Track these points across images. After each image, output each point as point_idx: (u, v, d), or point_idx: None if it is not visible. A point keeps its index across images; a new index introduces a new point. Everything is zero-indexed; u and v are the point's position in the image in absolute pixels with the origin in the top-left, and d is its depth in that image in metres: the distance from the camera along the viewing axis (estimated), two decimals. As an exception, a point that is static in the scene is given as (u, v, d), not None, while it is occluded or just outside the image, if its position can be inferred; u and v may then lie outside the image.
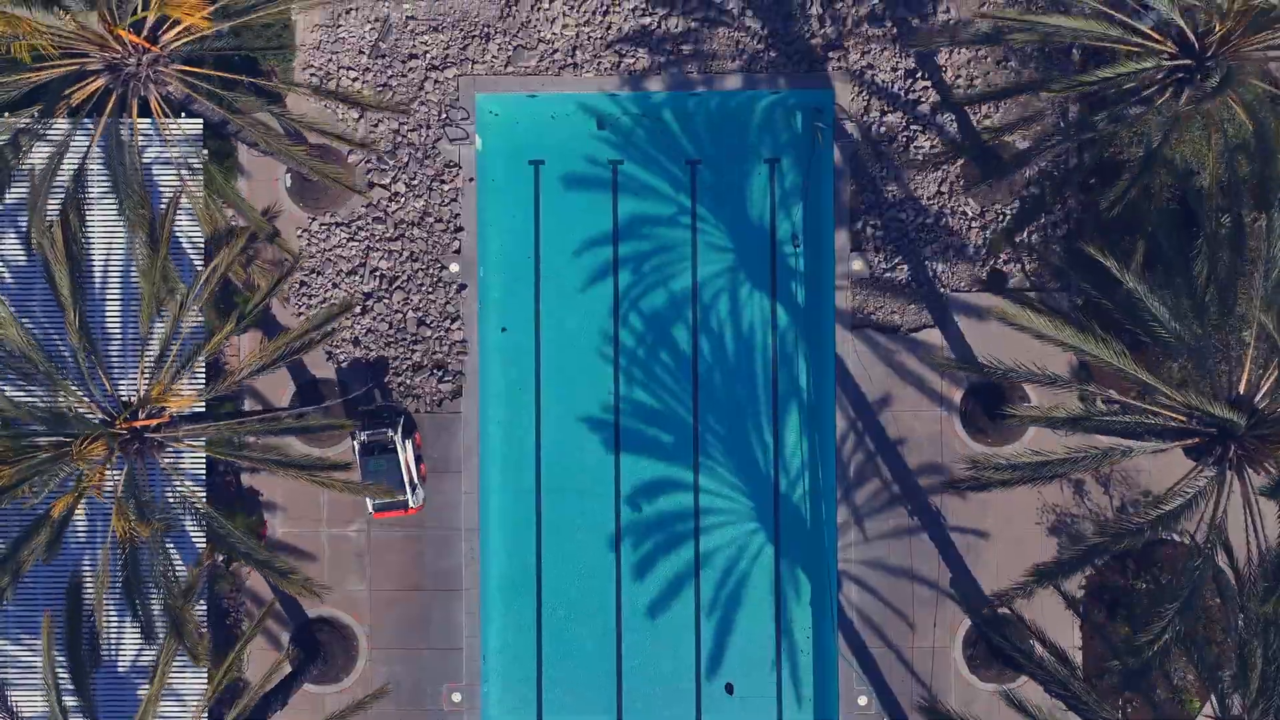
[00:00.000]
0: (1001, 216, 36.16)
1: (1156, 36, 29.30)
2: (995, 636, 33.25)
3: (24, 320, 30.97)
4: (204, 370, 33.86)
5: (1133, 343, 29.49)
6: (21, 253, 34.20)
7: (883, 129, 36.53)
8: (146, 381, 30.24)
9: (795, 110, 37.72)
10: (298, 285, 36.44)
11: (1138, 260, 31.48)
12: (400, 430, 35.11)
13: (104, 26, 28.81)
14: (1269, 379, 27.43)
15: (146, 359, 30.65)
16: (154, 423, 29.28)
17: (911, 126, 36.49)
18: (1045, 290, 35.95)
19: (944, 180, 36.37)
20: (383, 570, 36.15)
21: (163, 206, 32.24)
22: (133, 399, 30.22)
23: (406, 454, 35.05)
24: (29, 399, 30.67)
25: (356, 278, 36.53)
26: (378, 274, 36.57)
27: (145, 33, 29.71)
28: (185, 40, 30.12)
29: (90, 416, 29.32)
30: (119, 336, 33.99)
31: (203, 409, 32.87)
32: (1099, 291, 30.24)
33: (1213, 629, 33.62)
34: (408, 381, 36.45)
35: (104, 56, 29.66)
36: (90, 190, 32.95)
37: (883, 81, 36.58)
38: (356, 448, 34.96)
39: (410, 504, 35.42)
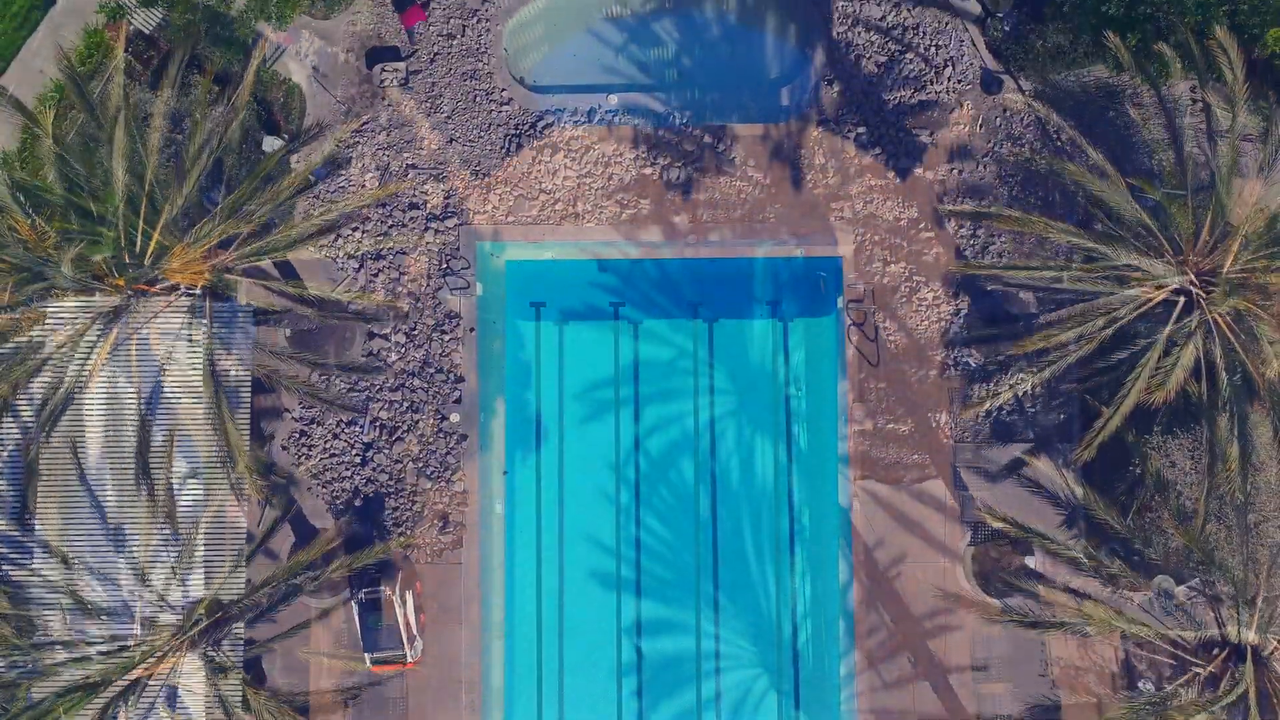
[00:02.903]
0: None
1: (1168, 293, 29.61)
2: None
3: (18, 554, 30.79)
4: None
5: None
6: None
7: (886, 279, 36.33)
8: (146, 617, 30.23)
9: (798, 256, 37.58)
10: (298, 435, 36.24)
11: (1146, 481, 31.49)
12: (399, 583, 34.85)
13: (108, 284, 28.83)
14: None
15: (146, 590, 30.75)
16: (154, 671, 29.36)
17: (915, 277, 36.30)
18: (1049, 443, 35.67)
19: (946, 331, 36.18)
20: (382, 720, 35.94)
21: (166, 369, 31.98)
22: (131, 641, 30.19)
23: (406, 608, 34.79)
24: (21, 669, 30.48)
25: (356, 428, 36.31)
26: (378, 424, 36.35)
27: (144, 274, 29.90)
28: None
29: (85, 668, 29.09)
30: (119, 557, 32.50)
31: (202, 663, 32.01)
32: (1107, 525, 30.33)
33: None
34: (408, 532, 36.20)
35: (106, 303, 29.86)
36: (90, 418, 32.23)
37: (886, 230, 36.39)
38: (356, 607, 34.71)
39: (409, 658, 35.15)
